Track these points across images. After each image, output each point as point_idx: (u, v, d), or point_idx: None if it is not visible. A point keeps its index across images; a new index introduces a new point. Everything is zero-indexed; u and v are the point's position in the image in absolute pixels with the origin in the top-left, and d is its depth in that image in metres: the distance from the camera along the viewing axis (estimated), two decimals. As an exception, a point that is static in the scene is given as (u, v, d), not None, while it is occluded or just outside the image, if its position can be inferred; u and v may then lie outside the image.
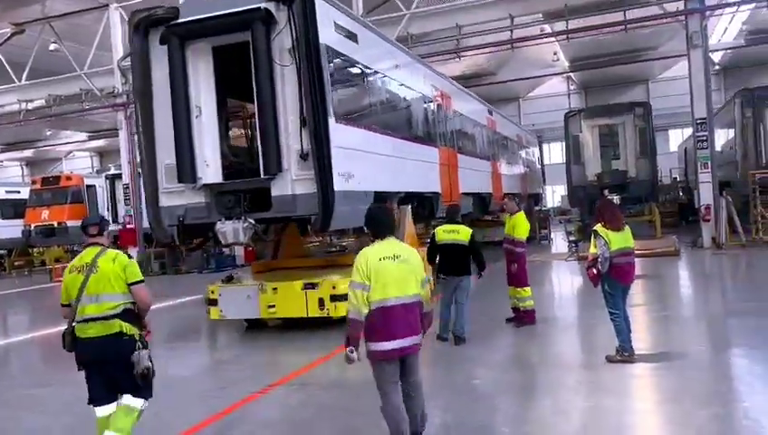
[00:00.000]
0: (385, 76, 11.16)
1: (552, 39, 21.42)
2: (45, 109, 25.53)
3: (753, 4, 18.87)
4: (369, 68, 10.43)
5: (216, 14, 8.52)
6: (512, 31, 19.08)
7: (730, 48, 30.67)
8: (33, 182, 28.37)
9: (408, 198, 11.59)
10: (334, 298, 8.70)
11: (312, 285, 8.88)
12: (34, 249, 29.71)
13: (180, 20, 8.76)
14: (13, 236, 27.51)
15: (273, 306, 9.07)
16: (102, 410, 4.46)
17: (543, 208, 30.89)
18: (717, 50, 29.08)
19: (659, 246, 16.83)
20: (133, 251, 20.40)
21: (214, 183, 8.97)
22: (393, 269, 4.27)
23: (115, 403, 4.46)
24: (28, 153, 47.96)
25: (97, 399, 4.46)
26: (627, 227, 6.79)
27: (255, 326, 10.12)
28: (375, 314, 4.23)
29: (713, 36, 30.98)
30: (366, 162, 9.63)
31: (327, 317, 8.98)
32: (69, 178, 28.14)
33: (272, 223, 9.63)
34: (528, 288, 9.00)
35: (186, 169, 8.80)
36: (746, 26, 27.75)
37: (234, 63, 9.04)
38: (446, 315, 8.16)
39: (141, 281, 4.48)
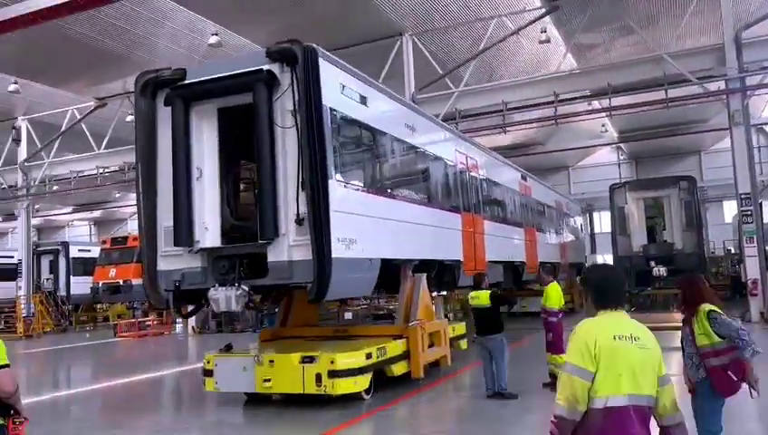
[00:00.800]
0: (398, 140, 10.73)
1: (598, 115, 22.01)
2: (119, 173, 27.60)
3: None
4: (379, 131, 10.04)
5: (219, 75, 8.54)
6: (556, 108, 19.88)
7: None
8: (104, 242, 30.27)
9: (424, 265, 11.25)
10: (332, 374, 8.20)
11: (311, 359, 8.36)
12: (98, 305, 31.50)
13: (186, 82, 8.77)
14: (82, 293, 29.33)
15: (269, 380, 8.52)
16: None
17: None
18: (763, 124, 29.14)
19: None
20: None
21: (211, 247, 8.70)
22: (633, 355, 2.94)
23: None
24: (97, 213, 50.95)
25: None
26: None
27: (256, 399, 9.39)
28: (594, 417, 2.90)
29: (765, 109, 31.22)
30: (372, 228, 9.26)
31: (316, 395, 8.44)
32: (135, 238, 30.14)
33: (269, 290, 9.10)
34: (564, 356, 9.45)
35: (182, 231, 8.56)
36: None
37: (239, 125, 8.93)
38: (489, 370, 9.08)
39: (5, 366, 3.72)
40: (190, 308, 9.91)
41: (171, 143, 8.75)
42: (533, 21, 19.63)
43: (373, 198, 9.55)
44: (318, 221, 7.83)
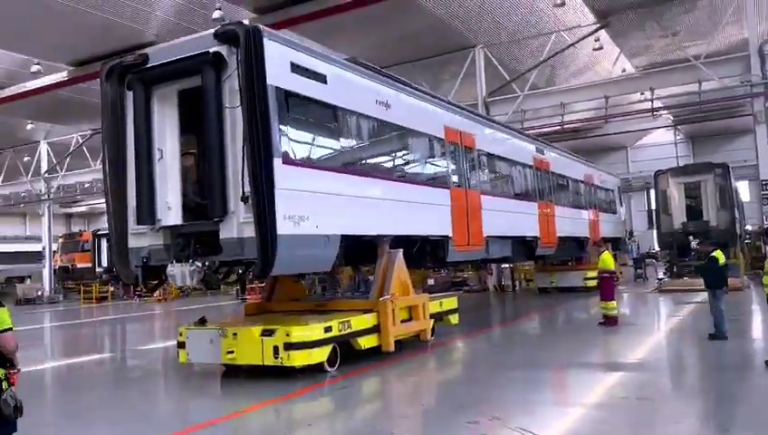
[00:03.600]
0: (367, 116, 10.55)
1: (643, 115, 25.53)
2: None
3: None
4: (342, 108, 9.92)
5: (175, 58, 8.77)
6: (606, 109, 23.73)
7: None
8: (61, 237, 42.21)
9: (407, 241, 11.47)
10: (288, 346, 8.51)
11: (270, 332, 8.70)
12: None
13: (147, 66, 9.05)
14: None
15: (233, 352, 8.93)
16: None
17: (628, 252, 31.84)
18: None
19: (733, 284, 20.54)
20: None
21: (173, 225, 8.98)
22: None
23: None
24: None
25: None
26: None
27: (234, 371, 9.60)
28: None
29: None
30: (330, 205, 9.30)
31: (283, 366, 8.71)
32: (83, 235, 42.42)
33: (224, 267, 9.08)
34: (613, 302, 13.59)
35: (144, 211, 8.88)
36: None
37: (200, 106, 8.87)
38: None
39: (8, 329, 4.57)
40: (155, 283, 10.16)
41: (133, 126, 9.08)
42: (587, 35, 23.45)
43: (333, 176, 9.51)
44: (261, 199, 7.95)
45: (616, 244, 26.49)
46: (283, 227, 8.15)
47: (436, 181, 12.58)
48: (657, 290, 21.40)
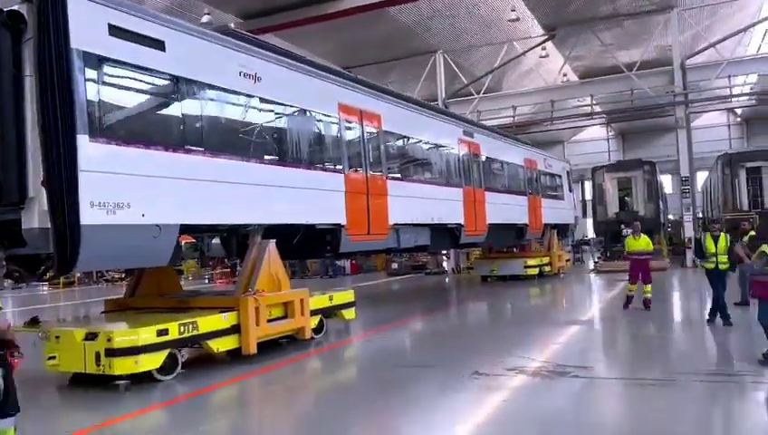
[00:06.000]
0: (225, 90, 9.21)
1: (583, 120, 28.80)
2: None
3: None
4: (186, 80, 8.55)
5: None
6: (552, 112, 26.91)
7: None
8: None
9: (289, 231, 10.57)
10: (110, 353, 7.37)
11: (93, 336, 7.55)
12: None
13: None
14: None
15: (54, 358, 7.78)
16: None
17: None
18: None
19: (656, 265, 24.03)
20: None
21: None
22: None
23: None
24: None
25: None
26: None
27: (86, 380, 7.90)
28: None
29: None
30: (166, 190, 8.03)
31: (104, 375, 7.47)
32: None
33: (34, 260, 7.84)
34: (648, 285, 12.90)
35: None
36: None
37: None
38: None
39: None
40: None
41: None
42: (536, 45, 26.44)
43: (168, 157, 8.14)
44: (57, 183, 6.81)
45: (564, 231, 26.39)
46: (91, 217, 6.97)
47: (325, 165, 11.37)
48: (595, 271, 24.70)
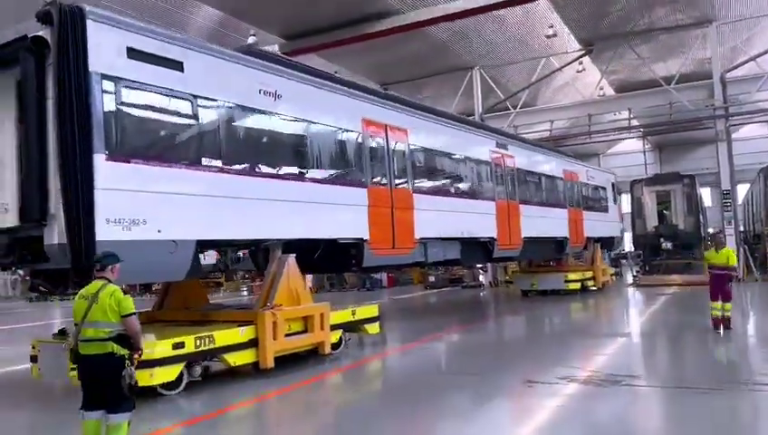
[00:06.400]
0: (243, 107, 9.44)
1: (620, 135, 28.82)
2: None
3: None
4: (204, 98, 8.82)
5: (4, 41, 7.85)
6: (589, 126, 26.98)
7: None
8: None
9: (311, 245, 10.61)
10: None
11: None
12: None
13: None
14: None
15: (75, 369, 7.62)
16: (89, 415, 5.18)
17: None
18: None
19: (697, 280, 23.83)
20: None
21: (9, 227, 7.87)
22: None
23: (100, 412, 5.15)
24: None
25: (86, 405, 5.21)
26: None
27: None
28: None
29: None
30: (182, 206, 8.27)
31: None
32: None
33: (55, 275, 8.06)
34: (729, 303, 11.82)
35: None
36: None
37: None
38: None
39: (132, 313, 5.19)
40: None
41: None
42: (573, 60, 26.63)
43: (185, 174, 8.44)
44: (74, 201, 7.11)
45: (609, 244, 25.91)
46: (107, 233, 7.24)
47: (348, 180, 11.36)
48: (635, 285, 24.63)
